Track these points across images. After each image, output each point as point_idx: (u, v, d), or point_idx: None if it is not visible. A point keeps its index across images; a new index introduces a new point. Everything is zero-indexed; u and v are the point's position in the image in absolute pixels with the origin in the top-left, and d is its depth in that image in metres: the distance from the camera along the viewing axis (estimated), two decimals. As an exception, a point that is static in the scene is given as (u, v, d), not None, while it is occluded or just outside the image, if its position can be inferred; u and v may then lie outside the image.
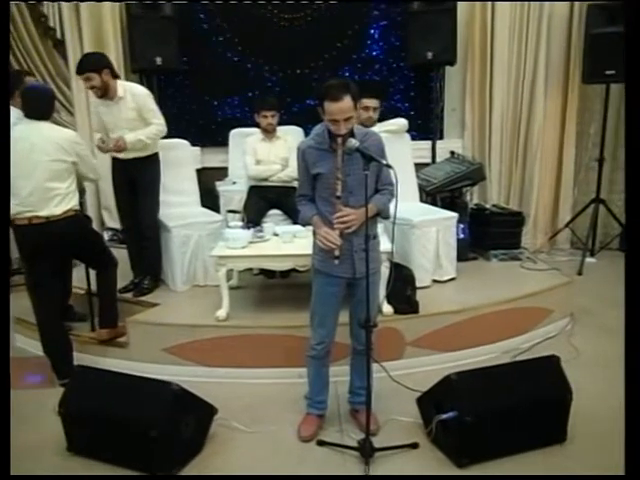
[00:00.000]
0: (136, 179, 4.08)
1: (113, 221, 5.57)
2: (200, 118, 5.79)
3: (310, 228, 2.92)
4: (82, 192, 3.61)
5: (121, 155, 4.04)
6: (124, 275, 4.03)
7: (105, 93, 3.90)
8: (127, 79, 5.46)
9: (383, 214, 2.78)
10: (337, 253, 2.65)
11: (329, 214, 2.72)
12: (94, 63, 3.82)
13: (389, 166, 2.62)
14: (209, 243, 4.14)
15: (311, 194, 2.80)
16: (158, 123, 4.04)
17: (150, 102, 4.04)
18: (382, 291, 3.47)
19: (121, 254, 4.02)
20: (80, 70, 3.81)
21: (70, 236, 3.39)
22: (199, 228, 4.26)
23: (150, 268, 4.22)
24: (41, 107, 3.37)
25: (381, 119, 4.64)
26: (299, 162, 2.77)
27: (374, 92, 4.36)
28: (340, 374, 3.21)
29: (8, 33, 3.57)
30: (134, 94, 3.97)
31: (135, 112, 3.97)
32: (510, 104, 5.65)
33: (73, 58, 5.30)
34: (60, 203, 3.33)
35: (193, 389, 2.88)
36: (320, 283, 2.85)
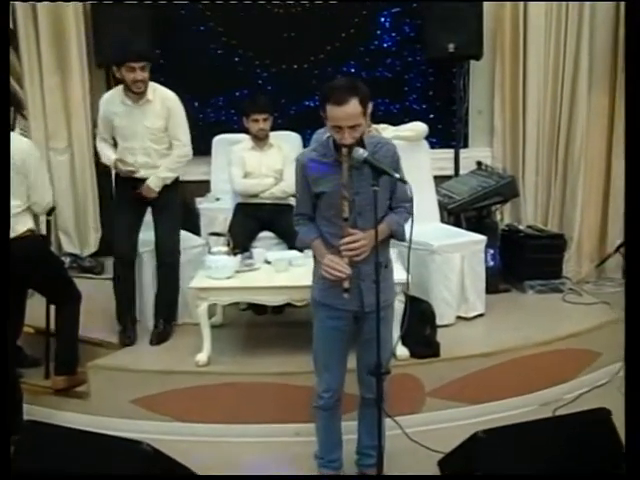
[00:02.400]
0: (152, 199, 4.09)
1: (72, 245, 5.60)
2: (177, 122, 5.82)
3: (309, 252, 2.94)
4: (51, 210, 3.64)
5: (137, 175, 4.04)
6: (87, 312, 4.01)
7: (144, 91, 3.95)
8: (91, 75, 5.54)
9: (398, 235, 2.80)
10: (347, 285, 2.67)
11: (332, 237, 2.74)
12: (146, 51, 3.99)
13: (403, 181, 2.64)
14: (187, 272, 4.15)
15: (311, 213, 2.83)
16: (183, 144, 4.08)
17: (182, 113, 4.08)
18: (396, 330, 3.47)
19: (84, 286, 4.01)
20: (135, 57, 3.85)
21: (26, 260, 3.41)
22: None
23: (166, 306, 4.14)
24: None
25: (395, 123, 4.68)
26: (298, 178, 2.80)
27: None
28: (346, 431, 3.19)
29: (8, 33, 3.73)
30: (165, 98, 4.02)
31: (163, 121, 4.01)
32: (547, 105, 5.68)
33: (27, 51, 5.36)
34: (13, 223, 3.35)
35: (168, 450, 2.87)
36: (322, 318, 2.86)
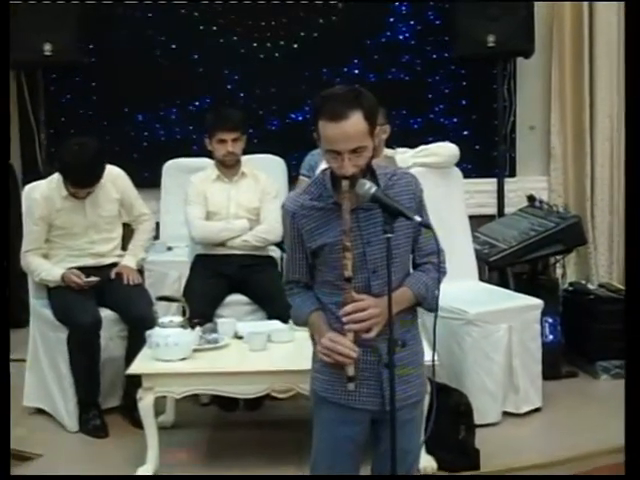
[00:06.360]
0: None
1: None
2: (114, 141, 5.83)
3: (304, 329, 2.93)
4: None
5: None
6: None
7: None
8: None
9: (425, 304, 2.79)
10: (351, 372, 2.65)
11: (338, 307, 2.72)
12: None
13: (425, 225, 2.64)
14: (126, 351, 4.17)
15: (307, 279, 2.82)
16: (149, 216, 4.69)
17: (130, 182, 4.58)
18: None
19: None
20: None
21: None
22: (110, 326, 4.30)
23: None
24: None
25: (414, 143, 4.70)
26: (287, 231, 2.78)
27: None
28: None
29: (8, 33, 3.96)
30: (114, 176, 4.47)
31: (118, 204, 4.50)
32: (623, 119, 5.75)
33: None
34: None
35: None
36: (326, 420, 2.82)
